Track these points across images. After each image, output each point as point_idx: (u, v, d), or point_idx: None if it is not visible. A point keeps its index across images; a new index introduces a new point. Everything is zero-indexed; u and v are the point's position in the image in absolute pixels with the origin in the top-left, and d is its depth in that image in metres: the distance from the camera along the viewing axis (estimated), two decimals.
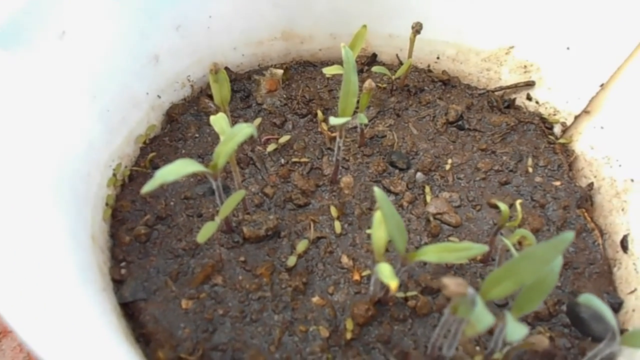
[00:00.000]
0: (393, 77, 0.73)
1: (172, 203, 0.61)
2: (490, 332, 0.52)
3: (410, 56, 0.72)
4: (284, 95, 0.74)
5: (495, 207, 0.62)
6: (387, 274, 0.41)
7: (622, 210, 0.60)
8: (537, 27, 0.68)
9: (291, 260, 0.56)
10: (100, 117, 0.58)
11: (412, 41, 0.70)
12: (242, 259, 0.57)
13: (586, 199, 0.63)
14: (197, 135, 0.68)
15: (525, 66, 0.72)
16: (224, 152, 0.48)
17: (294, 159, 0.67)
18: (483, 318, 0.34)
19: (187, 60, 0.69)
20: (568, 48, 0.66)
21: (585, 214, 0.62)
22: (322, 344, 0.51)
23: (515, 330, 0.37)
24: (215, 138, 0.68)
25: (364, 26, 0.63)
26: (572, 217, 0.61)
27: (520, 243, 0.52)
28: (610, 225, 0.61)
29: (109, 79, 0.59)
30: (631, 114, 0.60)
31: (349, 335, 0.51)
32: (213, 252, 0.57)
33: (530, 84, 0.72)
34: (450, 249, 0.44)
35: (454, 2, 0.72)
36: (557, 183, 0.65)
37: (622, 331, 0.52)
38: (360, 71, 0.79)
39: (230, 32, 0.72)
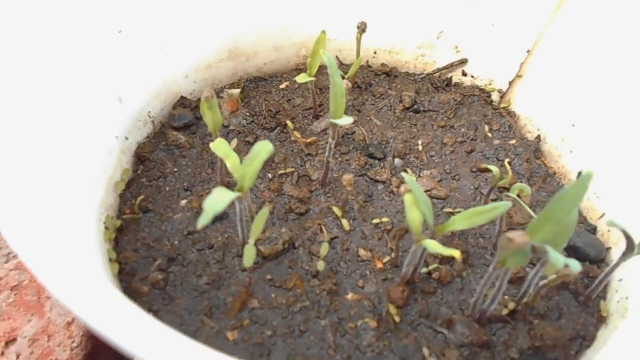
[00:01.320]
0: (346, 76, 0.77)
1: (176, 242, 0.59)
2: (511, 281, 0.58)
3: (358, 55, 0.76)
4: (247, 113, 0.74)
5: (478, 171, 0.69)
6: (441, 248, 0.45)
7: (570, 152, 0.70)
8: (462, 10, 0.76)
9: (320, 265, 0.57)
10: (84, 171, 0.54)
11: (358, 40, 0.75)
12: (268, 277, 0.57)
13: (539, 149, 0.73)
14: (175, 169, 0.66)
15: (456, 46, 0.80)
16: (249, 173, 0.48)
17: (280, 172, 0.68)
18: (559, 258, 0.39)
19: (146, 95, 0.67)
20: (493, 24, 0.75)
21: (544, 161, 0.71)
22: (375, 334, 0.53)
23: (559, 260, 0.42)
24: (195, 168, 0.66)
25: (323, 32, 0.66)
26: (535, 167, 0.70)
27: (518, 195, 0.58)
28: (564, 167, 0.71)
29: (83, 128, 0.55)
30: (557, 70, 0.71)
31: (397, 319, 0.54)
32: (239, 279, 0.56)
33: (463, 62, 0.81)
34: (478, 213, 0.49)
35: (383, 1, 0.77)
36: (513, 141, 0.73)
37: (607, 249, 0.61)
38: None
39: (181, 60, 0.70)
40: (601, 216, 0.64)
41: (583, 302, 0.55)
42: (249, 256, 0.49)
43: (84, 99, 0.55)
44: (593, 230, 0.64)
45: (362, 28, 0.73)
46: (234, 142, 0.69)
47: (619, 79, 0.63)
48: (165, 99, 0.70)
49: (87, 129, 0.55)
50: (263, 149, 0.48)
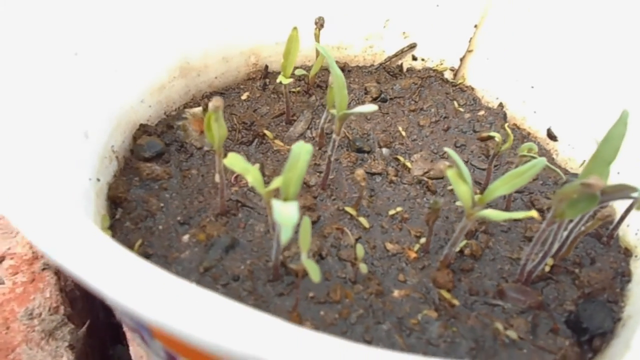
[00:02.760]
0: (310, 76, 0.74)
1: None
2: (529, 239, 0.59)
3: (318, 52, 0.73)
4: None
5: (480, 140, 0.70)
6: (510, 214, 0.44)
7: (534, 112, 0.74)
8: None
9: (363, 268, 0.53)
10: None
11: (317, 36, 0.72)
12: (310, 295, 0.51)
13: (506, 115, 0.76)
14: (161, 205, 0.57)
15: (404, 32, 0.81)
16: (294, 178, 0.43)
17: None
18: None
19: (108, 127, 0.57)
20: (437, 5, 0.77)
21: (516, 125, 0.75)
22: (440, 324, 0.50)
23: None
24: (183, 199, 0.58)
25: (295, 28, 0.62)
26: (502, 134, 0.73)
27: (523, 156, 0.60)
28: (531, 127, 0.75)
29: (57, 170, 0.45)
30: (506, 39, 0.75)
31: (455, 302, 0.52)
32: (280, 305, 0.50)
33: (413, 46, 0.82)
34: (517, 175, 0.49)
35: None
36: (482, 112, 0.76)
37: None
38: (263, 86, 0.77)
39: (136, 83, 0.62)
40: (582, 164, 0.69)
41: (606, 242, 0.58)
42: (314, 270, 0.43)
43: (51, 136, 0.45)
44: (577, 176, 0.68)
45: (320, 23, 0.70)
46: (217, 160, 0.62)
47: (564, 37, 0.68)
48: (125, 129, 0.61)
49: (61, 172, 0.45)
50: (303, 149, 0.43)
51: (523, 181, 0.48)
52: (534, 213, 0.42)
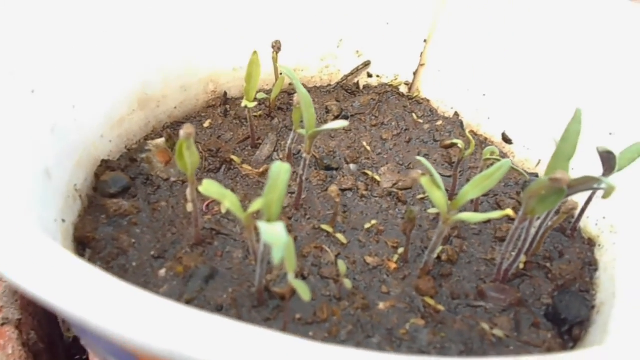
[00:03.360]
0: (271, 99, 0.74)
1: None
2: (503, 239, 0.61)
3: (277, 75, 0.74)
4: None
5: (444, 148, 0.72)
6: (485, 215, 0.45)
7: (488, 118, 0.78)
8: (357, 16, 0.79)
9: (347, 284, 0.52)
10: None
11: (275, 60, 0.72)
12: (297, 316, 0.50)
13: (462, 124, 0.79)
14: (133, 241, 0.55)
15: (357, 51, 0.83)
16: (275, 199, 0.42)
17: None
18: (610, 182, 0.42)
19: (70, 165, 0.55)
20: (387, 23, 0.80)
21: (473, 132, 0.78)
22: (428, 330, 0.51)
23: (611, 183, 0.44)
24: (155, 233, 0.56)
25: (255, 52, 0.62)
26: (468, 138, 0.76)
27: (487, 160, 0.62)
28: (488, 133, 0.78)
29: (24, 214, 0.43)
30: (455, 51, 0.78)
31: (440, 308, 0.53)
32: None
33: (367, 64, 0.84)
34: (486, 177, 0.50)
35: (279, 21, 0.77)
36: (440, 122, 0.79)
37: None
38: (224, 113, 0.76)
39: (95, 118, 0.60)
40: (538, 163, 0.73)
41: (571, 235, 0.61)
42: (304, 290, 0.43)
43: (12, 177, 0.43)
44: (536, 175, 0.72)
45: (277, 47, 0.71)
46: (188, 190, 0.61)
47: (508, 47, 0.73)
48: (86, 166, 0.59)
49: (26, 214, 0.43)
50: (282, 169, 0.43)
51: (492, 183, 0.50)
52: (509, 211, 0.44)
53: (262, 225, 0.38)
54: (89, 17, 0.56)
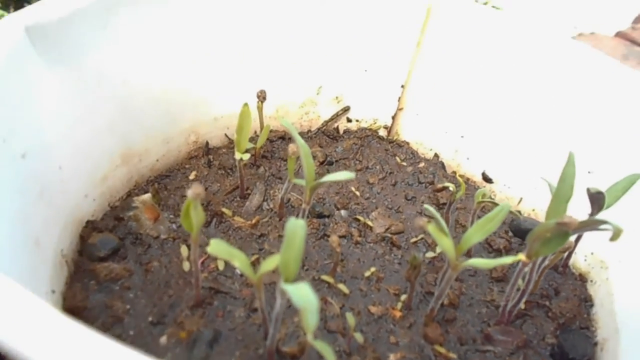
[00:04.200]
0: (257, 147, 0.73)
1: None
2: (499, 279, 0.62)
3: (262, 124, 0.74)
4: (172, 216, 0.63)
5: (435, 192, 0.73)
6: (497, 261, 0.46)
7: (468, 159, 0.80)
8: (336, 64, 0.81)
9: (359, 338, 0.51)
10: None
11: (260, 109, 0.72)
12: None
13: (443, 165, 0.81)
14: (128, 307, 0.52)
15: (336, 97, 0.84)
16: (292, 258, 0.41)
17: None
18: (617, 224, 0.44)
19: (57, 230, 0.51)
20: (365, 70, 0.82)
21: (455, 173, 0.80)
22: None
23: (618, 226, 0.46)
24: (151, 296, 0.53)
25: (246, 104, 0.62)
26: (451, 178, 0.78)
27: (480, 202, 0.63)
28: (468, 173, 0.80)
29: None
30: (432, 95, 0.81)
31: (452, 355, 0.52)
32: None
33: (346, 109, 0.86)
34: (488, 221, 0.51)
35: (260, 70, 0.77)
36: (422, 164, 0.80)
37: None
38: (208, 163, 0.75)
39: (79, 178, 0.57)
40: (519, 201, 0.75)
41: (563, 272, 0.63)
42: (327, 351, 0.41)
43: (7, 252, 0.40)
44: (519, 212, 0.74)
45: (262, 97, 0.71)
46: (184, 249, 0.58)
47: (482, 91, 0.76)
48: (72, 229, 0.55)
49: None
50: (297, 226, 0.42)
51: (494, 226, 0.51)
52: (521, 256, 0.45)
53: (290, 288, 0.36)
54: (74, 80, 0.54)
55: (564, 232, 0.46)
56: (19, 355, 0.26)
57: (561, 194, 0.49)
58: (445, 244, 0.49)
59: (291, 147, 0.58)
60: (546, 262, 0.55)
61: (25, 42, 0.46)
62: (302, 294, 0.35)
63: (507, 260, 0.45)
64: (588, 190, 0.53)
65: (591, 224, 0.45)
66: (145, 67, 0.64)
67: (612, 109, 0.62)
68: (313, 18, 0.76)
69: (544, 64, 0.68)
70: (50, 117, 0.50)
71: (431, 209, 0.49)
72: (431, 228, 0.49)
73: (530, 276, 0.51)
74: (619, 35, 1.80)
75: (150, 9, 0.60)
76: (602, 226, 0.45)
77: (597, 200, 0.54)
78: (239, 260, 0.45)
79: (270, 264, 0.43)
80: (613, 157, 0.62)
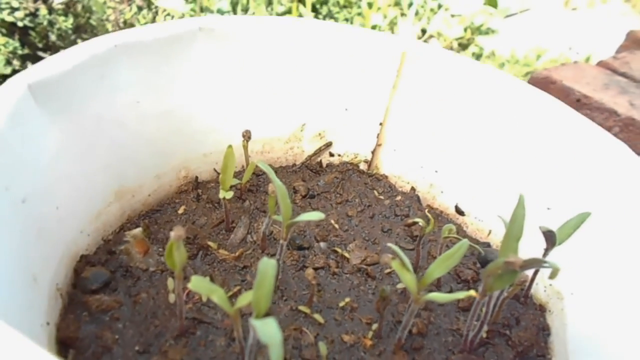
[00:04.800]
0: (242, 183, 0.79)
1: None
2: (466, 309, 0.67)
3: (247, 161, 0.79)
4: (162, 249, 0.68)
5: (406, 226, 0.78)
6: (452, 295, 0.51)
7: (442, 192, 0.85)
8: (318, 103, 0.86)
9: None
10: None
11: (245, 147, 0.78)
12: None
13: (419, 198, 0.86)
14: (117, 337, 0.56)
15: (319, 133, 0.90)
16: (264, 295, 0.46)
17: (228, 294, 0.64)
18: (555, 263, 0.48)
19: (53, 265, 0.56)
20: (346, 109, 0.87)
21: (429, 205, 0.85)
22: None
23: (556, 264, 0.51)
24: (138, 326, 0.58)
25: (230, 146, 0.67)
26: (425, 211, 0.83)
27: (446, 237, 0.68)
28: (442, 205, 0.85)
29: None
30: (408, 133, 0.87)
31: None
32: None
33: (329, 145, 0.91)
34: (448, 257, 0.56)
35: (247, 109, 0.83)
36: (399, 197, 0.85)
37: None
38: (197, 197, 0.80)
39: (75, 216, 0.62)
40: (489, 233, 0.80)
41: (524, 302, 0.67)
42: None
43: (5, 287, 0.44)
44: (489, 245, 0.79)
45: (247, 136, 0.76)
46: (170, 282, 0.63)
47: (455, 128, 0.81)
48: (67, 263, 0.60)
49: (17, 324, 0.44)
50: (268, 266, 0.46)
51: (454, 262, 0.56)
52: (472, 292, 0.50)
53: (257, 324, 0.41)
54: (73, 127, 0.59)
55: (513, 270, 0.51)
56: None
57: (512, 234, 0.53)
58: (407, 279, 0.54)
59: (271, 187, 0.63)
60: (505, 294, 0.60)
61: (28, 98, 0.51)
62: (267, 330, 0.40)
63: (460, 295, 0.50)
64: (540, 228, 0.58)
65: (534, 263, 0.50)
66: (139, 111, 0.70)
67: (566, 151, 0.67)
68: (297, 62, 0.81)
69: (506, 108, 0.74)
70: (49, 163, 0.55)
71: (394, 247, 0.54)
72: (395, 264, 0.54)
73: (488, 307, 0.56)
74: (601, 64, 1.87)
75: (142, 60, 0.66)
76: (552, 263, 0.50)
77: (550, 237, 0.59)
78: (217, 296, 0.49)
79: (244, 299, 0.48)
80: (569, 195, 0.67)
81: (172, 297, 0.61)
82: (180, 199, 0.79)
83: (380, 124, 0.88)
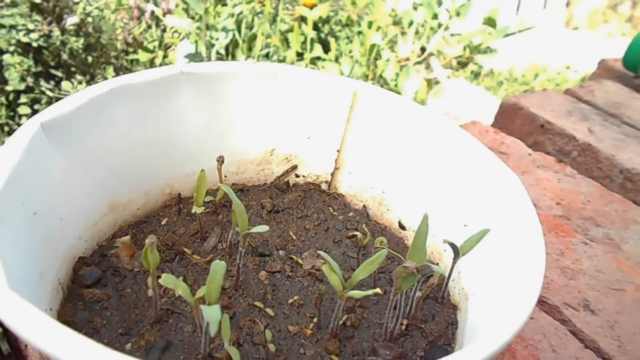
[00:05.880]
0: (216, 200, 0.94)
1: None
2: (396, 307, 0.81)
3: (221, 181, 0.94)
4: None
5: (347, 238, 0.92)
6: (363, 292, 0.65)
7: (388, 210, 1.00)
8: (285, 132, 1.02)
9: (272, 347, 0.70)
10: None
11: (219, 170, 0.93)
12: None
13: (368, 215, 1.01)
14: (104, 322, 0.71)
15: (286, 158, 1.05)
16: (214, 288, 0.60)
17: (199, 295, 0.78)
18: (438, 268, 0.63)
19: (55, 265, 0.71)
20: (308, 138, 1.03)
21: (376, 221, 0.99)
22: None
23: (439, 269, 0.67)
24: (122, 314, 0.72)
25: (202, 170, 0.82)
26: (372, 226, 0.98)
27: (377, 248, 0.83)
28: (388, 221, 1.00)
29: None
30: (360, 159, 1.02)
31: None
32: None
33: (294, 167, 1.06)
34: (369, 263, 0.70)
35: (224, 140, 0.98)
36: (351, 214, 1.00)
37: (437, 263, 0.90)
38: (178, 211, 0.95)
39: (75, 226, 0.77)
40: (438, 262, 0.94)
41: (441, 302, 0.81)
42: (235, 355, 0.60)
43: (22, 280, 0.59)
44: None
45: (221, 161, 0.91)
46: (150, 280, 0.77)
47: (397, 154, 0.96)
48: (67, 263, 0.75)
49: None
50: (219, 266, 0.61)
51: (374, 267, 0.70)
52: (378, 290, 0.64)
53: (204, 308, 0.55)
54: (76, 156, 0.74)
55: (411, 273, 0.65)
56: (35, 345, 0.45)
57: (416, 245, 0.68)
58: (333, 280, 0.68)
59: (234, 206, 0.78)
60: (419, 294, 0.74)
61: (40, 134, 0.67)
62: (210, 312, 0.54)
63: (369, 292, 0.64)
64: (444, 241, 0.73)
65: (425, 268, 0.64)
66: (130, 140, 0.85)
67: (477, 181, 0.82)
68: (266, 98, 0.97)
69: (434, 143, 0.89)
70: (56, 184, 0.70)
71: (324, 254, 0.68)
72: (325, 268, 0.68)
73: (400, 304, 0.70)
74: (568, 92, 2.02)
75: (134, 99, 0.82)
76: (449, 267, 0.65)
77: (455, 249, 0.74)
78: (182, 290, 0.64)
79: (201, 292, 0.63)
80: (478, 215, 0.81)
81: (150, 292, 0.76)
82: (164, 212, 0.94)
83: (338, 150, 1.03)
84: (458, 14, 5.21)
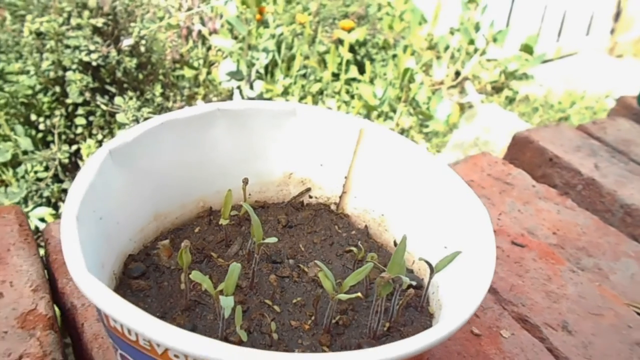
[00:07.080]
0: (240, 214, 1.12)
1: None
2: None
3: (245, 199, 1.13)
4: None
5: (345, 253, 1.09)
6: (348, 296, 0.82)
7: (386, 230, 1.16)
8: (302, 160, 1.20)
9: (275, 336, 0.87)
10: None
11: (244, 189, 1.12)
12: None
13: (369, 234, 1.18)
14: (146, 306, 0.90)
15: (302, 181, 1.23)
16: (231, 284, 0.78)
17: (219, 289, 0.97)
18: (407, 279, 0.79)
19: (112, 260, 0.91)
20: (321, 165, 1.21)
21: (374, 240, 1.16)
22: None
23: (406, 280, 0.83)
24: (160, 302, 0.91)
25: (229, 190, 1.01)
26: (370, 244, 1.14)
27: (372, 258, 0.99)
28: (385, 240, 1.16)
29: None
30: (363, 186, 1.19)
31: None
32: None
33: (308, 190, 1.24)
34: (358, 273, 0.87)
35: (250, 166, 1.17)
36: (353, 232, 1.17)
37: (422, 279, 1.06)
38: (209, 222, 1.14)
39: (127, 229, 0.97)
40: (412, 263, 1.10)
41: (420, 310, 0.97)
42: (243, 335, 0.78)
43: (91, 269, 0.79)
44: (412, 271, 1.09)
45: (245, 182, 1.10)
46: (182, 276, 0.97)
47: (395, 185, 1.13)
48: (120, 259, 0.95)
49: None
50: (235, 268, 0.79)
51: (361, 277, 0.87)
52: (359, 295, 0.81)
53: (222, 298, 0.74)
54: (133, 175, 0.95)
55: (387, 282, 0.82)
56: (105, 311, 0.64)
57: (394, 261, 0.85)
58: (327, 284, 0.85)
59: (252, 221, 0.97)
60: (398, 301, 0.90)
61: (108, 158, 0.87)
62: (226, 300, 0.72)
63: (353, 296, 0.81)
64: (420, 259, 0.89)
65: (398, 280, 0.81)
66: (174, 162, 1.05)
67: (456, 210, 0.97)
68: (288, 131, 1.16)
69: (424, 177, 1.05)
70: (116, 196, 0.90)
71: (320, 263, 0.86)
72: (320, 274, 0.86)
73: (380, 308, 0.87)
74: (580, 127, 2.12)
75: (179, 130, 1.02)
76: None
77: (430, 266, 0.90)
78: (207, 284, 0.82)
79: (221, 286, 0.81)
80: (455, 239, 0.97)
81: (182, 286, 0.95)
82: (197, 222, 1.13)
83: (345, 177, 1.21)
84: (495, 40, 5.29)
